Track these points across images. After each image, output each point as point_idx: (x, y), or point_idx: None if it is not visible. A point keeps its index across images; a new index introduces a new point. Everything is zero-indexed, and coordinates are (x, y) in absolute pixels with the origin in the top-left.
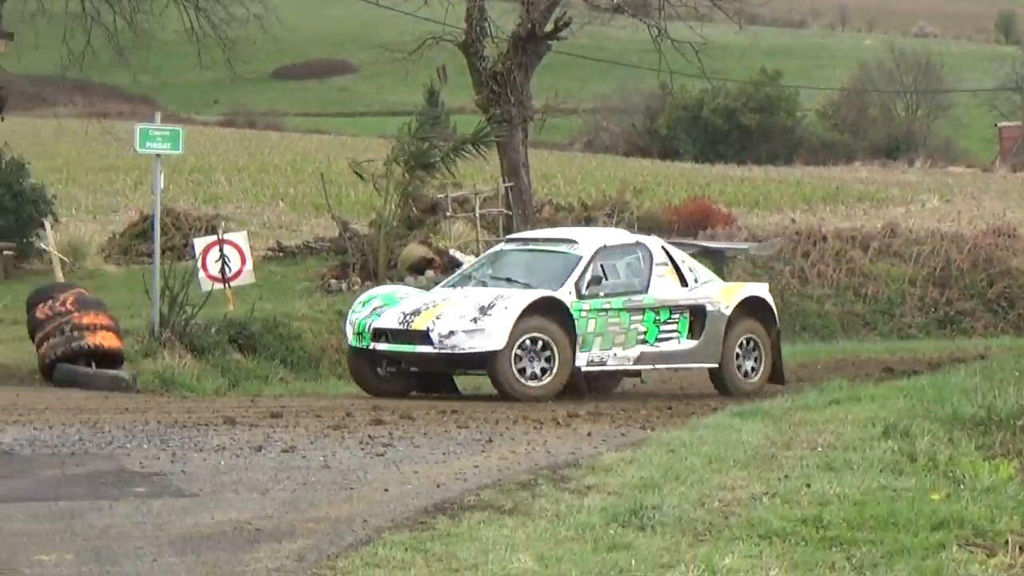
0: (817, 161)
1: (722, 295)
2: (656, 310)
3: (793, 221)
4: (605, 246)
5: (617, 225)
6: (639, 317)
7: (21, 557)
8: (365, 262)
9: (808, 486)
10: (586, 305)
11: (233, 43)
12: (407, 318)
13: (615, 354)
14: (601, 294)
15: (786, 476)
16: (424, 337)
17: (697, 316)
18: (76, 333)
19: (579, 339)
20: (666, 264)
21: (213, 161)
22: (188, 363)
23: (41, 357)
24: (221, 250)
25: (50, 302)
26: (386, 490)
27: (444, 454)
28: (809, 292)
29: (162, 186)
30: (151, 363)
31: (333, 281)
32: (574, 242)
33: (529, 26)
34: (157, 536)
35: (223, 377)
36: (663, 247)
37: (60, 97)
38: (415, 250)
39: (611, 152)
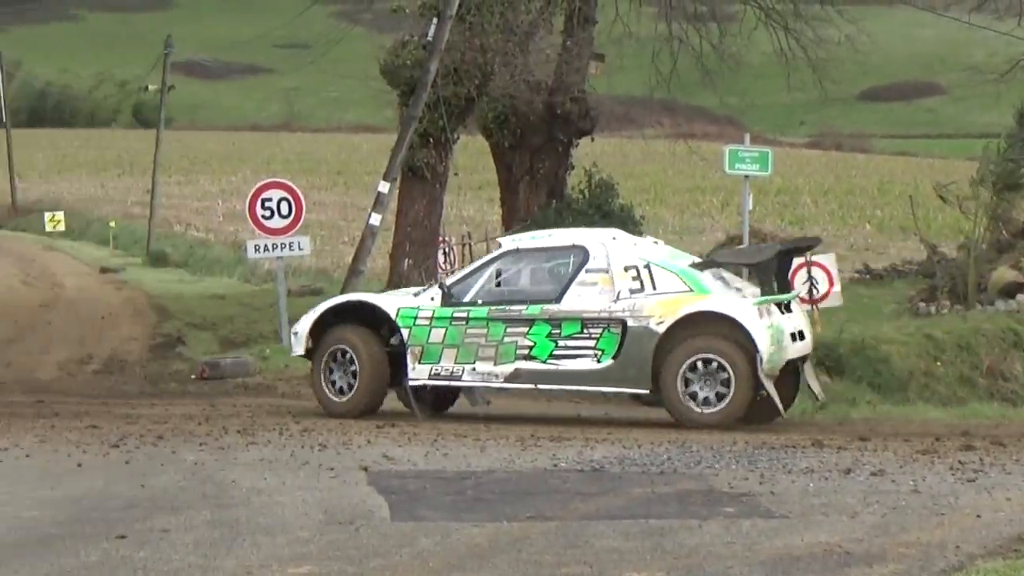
0: None
1: (657, 309)
2: (556, 323)
3: None
4: (517, 250)
5: None
6: (522, 329)
7: (612, 573)
8: (954, 285)
9: None
10: (427, 313)
11: (823, 64)
12: None
13: (475, 369)
14: (479, 301)
15: None
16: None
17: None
18: None
19: (417, 350)
20: (603, 271)
21: (799, 183)
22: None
23: None
24: (809, 272)
25: None
26: (978, 516)
27: None
28: None
29: (750, 207)
30: None
31: (922, 304)
32: (499, 245)
33: None
34: (747, 556)
35: (810, 399)
36: (608, 252)
37: (647, 118)
38: (1005, 274)
39: None
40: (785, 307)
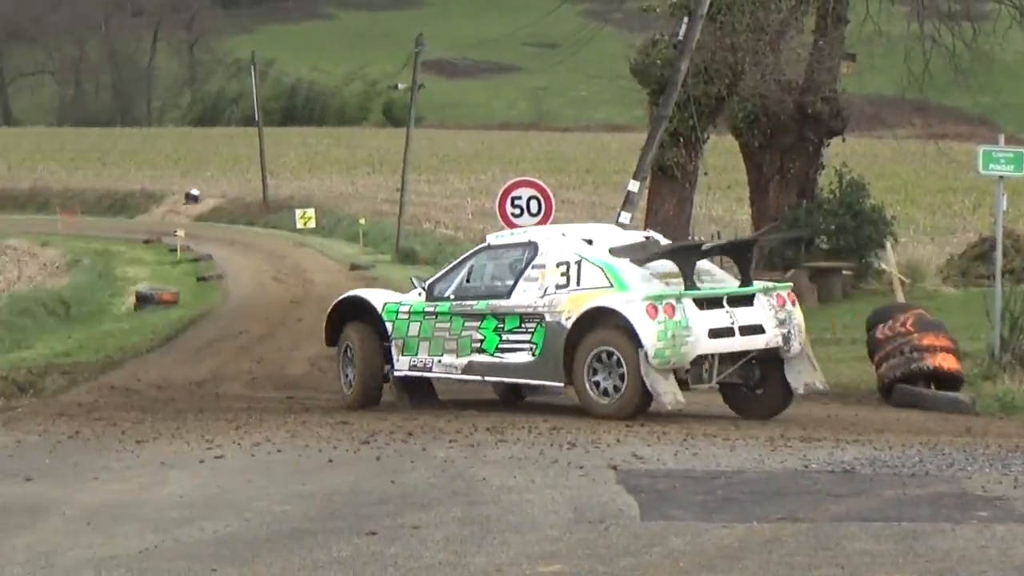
0: None
1: (568, 305)
2: (501, 317)
3: None
4: (489, 246)
5: None
6: (475, 323)
7: None
8: None
9: None
10: (406, 308)
11: None
12: None
13: (441, 361)
14: (451, 296)
15: None
16: None
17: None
18: (916, 354)
19: (400, 343)
20: (543, 267)
21: None
22: None
23: (880, 377)
24: None
25: (890, 323)
26: None
27: None
28: None
29: (1004, 208)
30: (990, 386)
31: None
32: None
33: None
34: (1001, 561)
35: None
36: (555, 248)
37: (899, 118)
38: None
39: None
40: (735, 301)
